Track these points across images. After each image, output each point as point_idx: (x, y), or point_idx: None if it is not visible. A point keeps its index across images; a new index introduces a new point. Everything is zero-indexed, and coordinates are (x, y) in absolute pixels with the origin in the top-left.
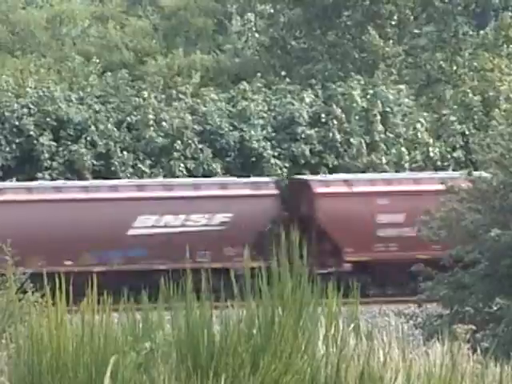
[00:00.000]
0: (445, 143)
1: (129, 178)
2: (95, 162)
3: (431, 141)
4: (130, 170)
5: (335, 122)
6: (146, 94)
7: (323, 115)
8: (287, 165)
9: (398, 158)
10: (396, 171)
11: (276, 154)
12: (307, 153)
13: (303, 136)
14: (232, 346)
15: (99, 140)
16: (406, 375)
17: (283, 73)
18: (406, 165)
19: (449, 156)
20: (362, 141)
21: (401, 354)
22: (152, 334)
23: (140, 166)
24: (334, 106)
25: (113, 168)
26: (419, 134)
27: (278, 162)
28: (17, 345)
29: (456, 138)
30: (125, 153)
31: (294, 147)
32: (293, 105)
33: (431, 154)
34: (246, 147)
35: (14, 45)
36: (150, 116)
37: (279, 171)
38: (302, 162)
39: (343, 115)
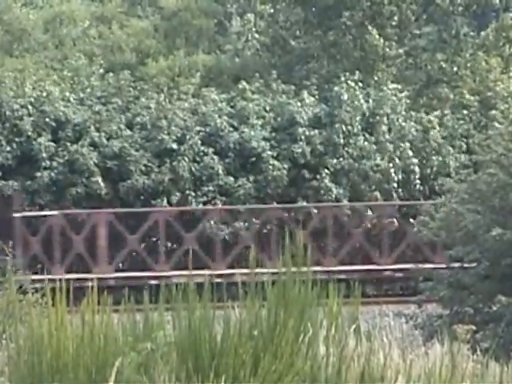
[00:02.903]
0: (453, 147)
1: (138, 178)
2: (103, 163)
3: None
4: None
5: (342, 125)
6: (156, 95)
7: (323, 116)
8: (286, 166)
9: (404, 161)
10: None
11: (275, 154)
12: (308, 154)
13: (303, 137)
14: (233, 347)
15: (101, 141)
16: (406, 376)
17: (274, 71)
18: (417, 169)
19: (456, 161)
20: (367, 143)
21: (401, 355)
22: (153, 335)
23: (151, 165)
24: (343, 108)
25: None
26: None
27: (277, 162)
28: (17, 345)
29: (460, 139)
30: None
31: (294, 148)
32: (291, 105)
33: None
34: (246, 148)
35: (12, 45)
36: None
37: (278, 172)
38: (302, 162)
39: (347, 115)
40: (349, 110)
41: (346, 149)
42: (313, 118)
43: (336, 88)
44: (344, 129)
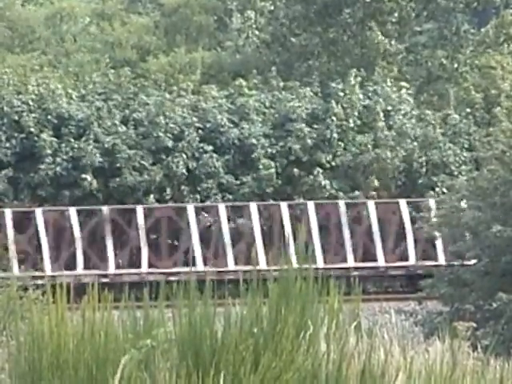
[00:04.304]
0: (454, 143)
1: (132, 175)
2: (100, 159)
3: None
4: (136, 164)
5: (334, 119)
6: (155, 92)
7: (321, 113)
8: (283, 163)
9: (406, 153)
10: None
11: (274, 151)
12: (304, 151)
13: (299, 133)
14: (233, 343)
15: (104, 137)
16: (406, 372)
17: (273, 68)
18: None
19: (458, 157)
20: (365, 139)
21: (401, 352)
22: (153, 331)
23: (144, 163)
24: (334, 103)
25: (118, 165)
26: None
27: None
28: (17, 342)
29: (462, 136)
30: (132, 150)
31: (291, 145)
32: (289, 102)
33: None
34: (245, 144)
35: (13, 41)
36: (161, 117)
37: (271, 170)
38: (295, 158)
39: (342, 111)
40: (347, 106)
41: (344, 144)
42: (311, 114)
43: (334, 84)
44: (342, 125)
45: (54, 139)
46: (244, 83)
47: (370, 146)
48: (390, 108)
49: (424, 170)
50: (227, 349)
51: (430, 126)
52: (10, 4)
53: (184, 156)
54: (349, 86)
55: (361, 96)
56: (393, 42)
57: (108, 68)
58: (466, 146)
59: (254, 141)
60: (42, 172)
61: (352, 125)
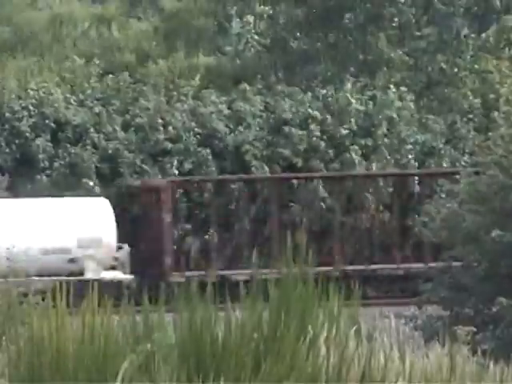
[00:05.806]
0: (454, 148)
1: (133, 179)
2: (100, 165)
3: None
4: (137, 169)
5: (339, 128)
6: (154, 97)
7: (319, 118)
8: (279, 167)
9: (403, 163)
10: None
11: (267, 153)
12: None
13: (296, 139)
14: (234, 348)
15: (100, 142)
16: (406, 377)
17: (279, 74)
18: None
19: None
20: (364, 147)
21: (401, 356)
22: (152, 336)
23: (145, 167)
24: (341, 110)
25: (120, 169)
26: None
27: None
28: (17, 347)
29: (462, 141)
30: (133, 154)
31: (286, 149)
32: (288, 106)
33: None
34: (242, 149)
35: (16, 46)
36: (160, 121)
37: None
38: (294, 164)
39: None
40: (346, 112)
41: (340, 154)
42: (309, 119)
43: (334, 90)
44: (341, 131)
45: (50, 144)
46: (248, 88)
47: (367, 156)
48: (390, 114)
49: (422, 175)
50: (228, 353)
51: (431, 132)
52: (18, 8)
53: (181, 160)
54: (348, 91)
55: (353, 101)
56: (393, 47)
57: (103, 72)
58: (466, 150)
59: (248, 145)
60: (40, 178)
61: (353, 132)
